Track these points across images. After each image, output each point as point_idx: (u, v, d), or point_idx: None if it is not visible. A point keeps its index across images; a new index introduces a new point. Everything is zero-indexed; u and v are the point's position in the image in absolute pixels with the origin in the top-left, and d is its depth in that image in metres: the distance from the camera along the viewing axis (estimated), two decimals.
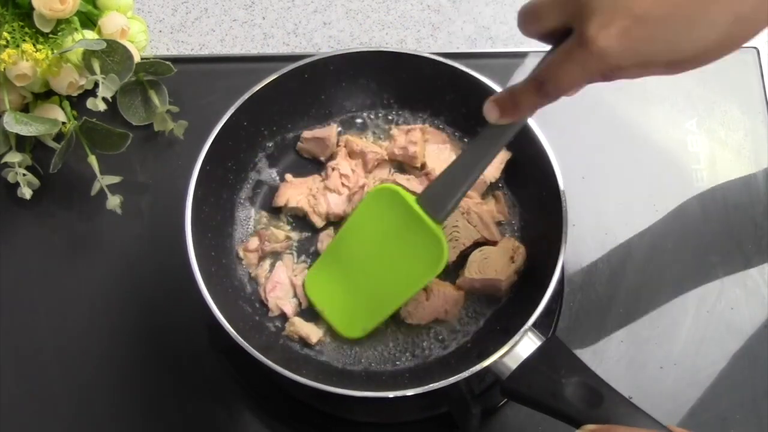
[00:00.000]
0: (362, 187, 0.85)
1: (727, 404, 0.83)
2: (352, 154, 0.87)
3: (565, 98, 0.96)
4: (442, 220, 0.72)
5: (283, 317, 0.81)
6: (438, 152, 0.86)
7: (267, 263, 0.84)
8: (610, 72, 0.53)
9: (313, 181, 0.86)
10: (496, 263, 0.80)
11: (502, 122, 0.61)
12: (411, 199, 0.73)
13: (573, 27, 0.52)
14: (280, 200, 0.85)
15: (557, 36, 0.55)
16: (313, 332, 0.80)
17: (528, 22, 0.56)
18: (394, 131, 0.87)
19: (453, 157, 0.86)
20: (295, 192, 0.85)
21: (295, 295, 0.82)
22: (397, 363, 0.80)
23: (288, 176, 0.87)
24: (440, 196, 0.71)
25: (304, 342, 0.80)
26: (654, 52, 0.51)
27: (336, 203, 0.84)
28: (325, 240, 0.83)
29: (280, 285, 0.82)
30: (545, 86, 0.56)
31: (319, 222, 0.85)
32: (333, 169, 0.86)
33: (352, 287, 0.78)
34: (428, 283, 0.77)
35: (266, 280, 0.82)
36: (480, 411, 0.77)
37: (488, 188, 0.85)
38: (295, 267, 0.83)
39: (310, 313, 0.82)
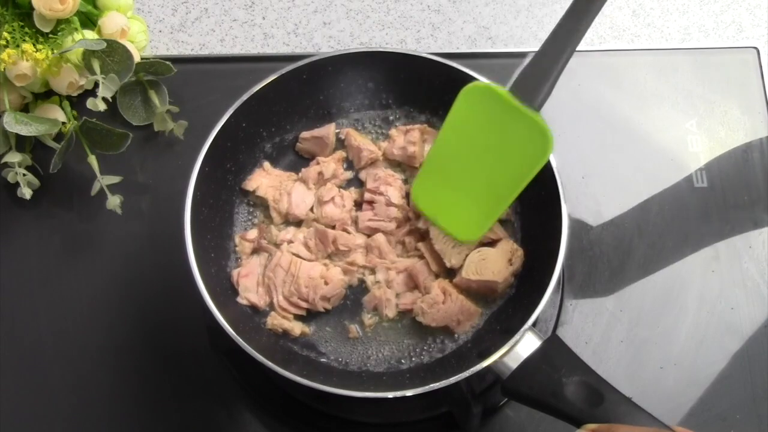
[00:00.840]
0: (330, 200, 0.84)
1: (727, 404, 0.83)
2: (349, 147, 0.88)
3: (565, 98, 0.96)
4: (540, 106, 0.70)
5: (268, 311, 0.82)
6: None
7: (257, 258, 0.84)
8: None
9: (288, 177, 0.87)
10: (494, 265, 0.79)
11: None
12: (503, 92, 0.71)
13: None
14: (251, 185, 0.85)
15: None
16: (296, 326, 0.80)
17: None
18: (393, 131, 0.87)
19: None
20: (267, 182, 0.85)
21: (257, 291, 0.82)
22: (398, 363, 0.80)
23: (266, 164, 0.87)
24: (534, 82, 0.69)
25: (295, 339, 0.80)
26: None
27: (298, 203, 0.84)
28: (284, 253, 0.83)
29: (252, 275, 0.82)
30: None
31: (277, 218, 0.85)
32: (318, 163, 0.86)
33: (461, 190, 0.77)
34: (536, 173, 0.73)
35: (242, 266, 0.82)
36: (481, 410, 0.77)
37: None
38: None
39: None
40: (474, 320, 0.80)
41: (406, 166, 0.87)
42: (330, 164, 0.86)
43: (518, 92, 0.70)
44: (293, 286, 0.80)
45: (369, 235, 0.84)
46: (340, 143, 0.89)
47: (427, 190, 0.79)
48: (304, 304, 0.81)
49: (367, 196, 0.85)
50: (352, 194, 0.86)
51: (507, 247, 0.81)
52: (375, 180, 0.85)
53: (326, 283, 0.80)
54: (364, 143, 0.86)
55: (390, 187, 0.84)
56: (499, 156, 0.73)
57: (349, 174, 0.88)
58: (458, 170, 0.76)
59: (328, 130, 0.87)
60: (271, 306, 0.81)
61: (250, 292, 0.81)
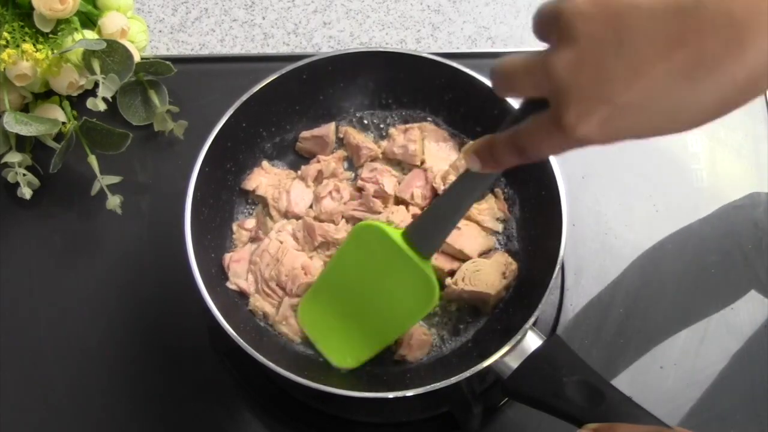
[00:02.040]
0: (327, 194, 0.84)
1: (727, 404, 0.83)
2: (348, 145, 0.88)
3: None
4: (429, 256, 0.71)
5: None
6: (438, 150, 0.86)
7: (251, 246, 0.84)
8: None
9: (287, 175, 0.87)
10: (488, 277, 0.79)
11: (485, 172, 0.60)
12: (396, 236, 0.71)
13: (549, 102, 0.49)
14: (250, 184, 0.85)
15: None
16: (272, 311, 0.81)
17: (501, 86, 0.53)
18: (392, 130, 0.87)
19: (453, 154, 0.86)
20: (266, 180, 0.85)
21: (246, 278, 0.82)
22: (398, 363, 0.79)
23: (264, 163, 0.87)
24: (426, 234, 0.69)
25: (288, 336, 0.81)
26: (637, 134, 0.48)
27: (297, 200, 0.84)
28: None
29: (244, 261, 0.82)
30: (525, 152, 0.53)
31: (277, 217, 0.85)
32: (318, 161, 0.86)
33: (344, 319, 0.77)
34: (421, 319, 0.76)
35: (235, 251, 0.83)
36: (481, 410, 0.76)
37: None
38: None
39: None
40: (427, 346, 0.80)
41: (406, 165, 0.87)
42: (330, 163, 0.86)
43: (411, 239, 0.70)
44: (274, 271, 0.80)
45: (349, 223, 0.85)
46: (341, 143, 0.89)
47: (313, 311, 0.79)
48: (279, 292, 0.81)
49: (360, 183, 0.85)
50: (348, 186, 0.86)
51: (502, 259, 0.81)
52: (371, 171, 0.85)
53: (306, 274, 0.81)
54: (363, 141, 0.86)
55: (385, 178, 0.84)
56: (387, 294, 0.74)
57: (350, 174, 0.88)
58: (344, 299, 0.77)
59: (329, 129, 0.87)
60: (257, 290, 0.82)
61: (239, 278, 0.81)
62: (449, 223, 0.68)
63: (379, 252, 0.72)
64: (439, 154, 0.86)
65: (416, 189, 0.85)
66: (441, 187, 0.84)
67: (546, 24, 0.48)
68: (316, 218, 0.84)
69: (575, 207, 0.90)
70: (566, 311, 0.86)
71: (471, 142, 0.59)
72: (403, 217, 0.83)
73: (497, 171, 0.59)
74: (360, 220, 0.84)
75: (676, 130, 0.48)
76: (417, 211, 0.84)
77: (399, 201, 0.85)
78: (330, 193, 0.84)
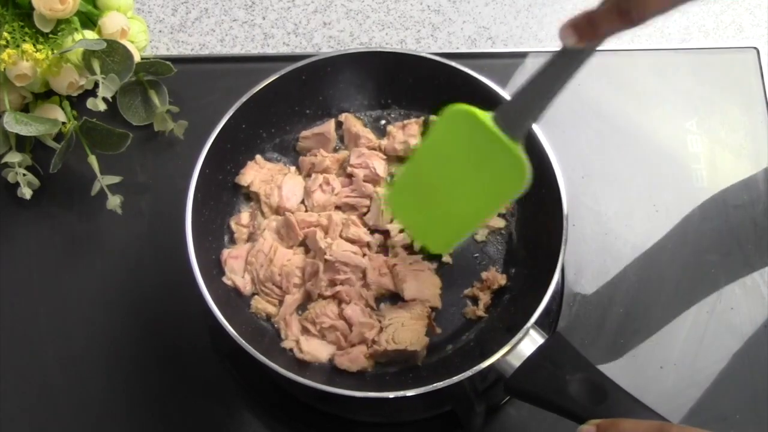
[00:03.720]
0: (318, 188, 0.84)
1: (727, 404, 0.83)
2: (346, 132, 0.88)
3: (565, 99, 0.96)
4: (520, 139, 0.67)
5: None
6: None
7: (250, 244, 0.84)
8: None
9: (279, 170, 0.86)
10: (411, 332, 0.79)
11: (580, 46, 0.59)
12: (486, 118, 0.68)
13: None
14: (244, 179, 0.85)
15: None
16: (274, 311, 0.81)
17: None
18: (390, 128, 0.87)
19: None
20: (259, 175, 0.85)
21: (243, 277, 0.82)
22: (399, 363, 0.79)
23: (258, 157, 0.87)
24: (517, 116, 0.67)
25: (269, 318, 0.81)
26: None
27: (289, 196, 0.84)
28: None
29: (241, 259, 0.82)
30: (630, 14, 0.54)
31: (268, 212, 0.85)
32: (315, 156, 0.86)
33: (434, 205, 0.75)
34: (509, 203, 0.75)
35: (234, 248, 0.83)
36: (484, 409, 0.77)
37: None
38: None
39: None
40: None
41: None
42: (325, 160, 0.86)
43: (502, 120, 0.68)
44: (268, 272, 0.81)
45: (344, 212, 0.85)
46: (342, 142, 0.89)
47: (403, 198, 0.78)
48: (277, 290, 0.81)
49: (350, 170, 0.85)
50: (338, 178, 0.86)
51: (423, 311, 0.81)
52: (359, 156, 0.85)
53: (297, 269, 0.81)
54: (362, 131, 0.87)
55: (375, 161, 0.85)
56: (476, 178, 0.72)
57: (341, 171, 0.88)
58: (433, 185, 0.75)
59: (329, 126, 0.87)
60: (256, 291, 0.82)
61: (236, 275, 0.81)
62: (539, 107, 0.66)
63: (468, 135, 0.70)
64: None
65: None
66: None
67: None
68: (308, 212, 0.84)
69: (575, 207, 0.90)
70: (566, 311, 0.86)
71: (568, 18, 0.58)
72: None
73: (595, 42, 0.58)
74: (353, 207, 0.84)
75: None
76: None
77: None
78: (320, 186, 0.84)
